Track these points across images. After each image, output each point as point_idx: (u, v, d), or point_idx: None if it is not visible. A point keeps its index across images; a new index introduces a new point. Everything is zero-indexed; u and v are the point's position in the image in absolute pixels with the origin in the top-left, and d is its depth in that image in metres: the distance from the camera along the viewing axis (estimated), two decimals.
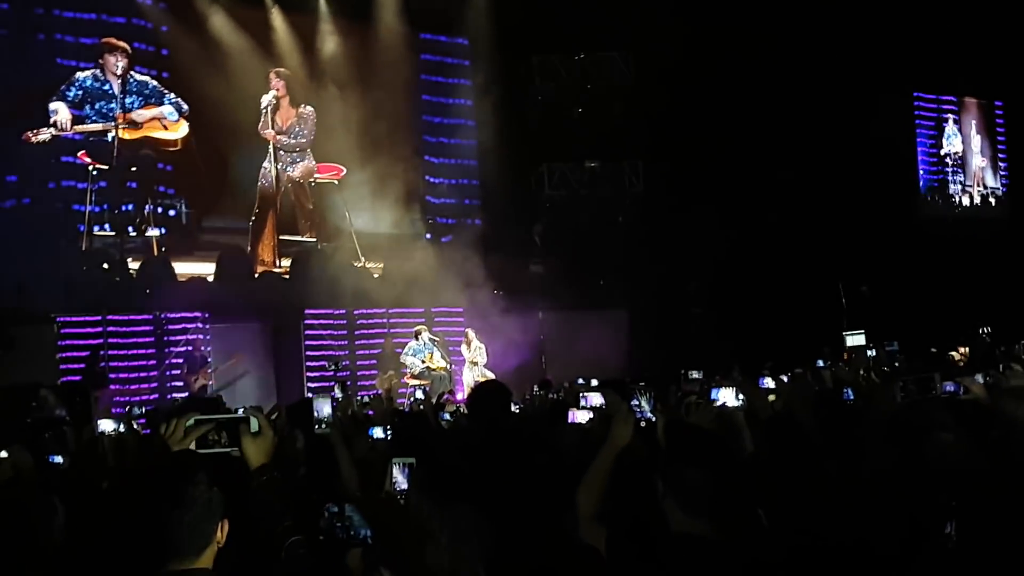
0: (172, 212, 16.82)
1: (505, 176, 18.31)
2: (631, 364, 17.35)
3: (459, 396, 15.40)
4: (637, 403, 4.65)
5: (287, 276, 16.93)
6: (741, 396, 4.95)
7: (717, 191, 18.28)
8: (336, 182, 17.98)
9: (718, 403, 4.83)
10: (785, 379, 7.60)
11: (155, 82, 16.61)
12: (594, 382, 10.91)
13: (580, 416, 5.83)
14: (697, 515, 3.13)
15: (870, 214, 19.63)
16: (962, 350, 15.97)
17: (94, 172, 15.94)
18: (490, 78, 18.60)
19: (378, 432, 6.27)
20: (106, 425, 7.07)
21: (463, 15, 18.83)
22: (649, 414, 4.71)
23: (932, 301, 19.11)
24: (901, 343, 15.84)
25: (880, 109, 20.02)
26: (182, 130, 16.68)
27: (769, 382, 6.90)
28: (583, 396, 6.19)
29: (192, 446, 3.04)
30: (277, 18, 17.84)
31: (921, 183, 24.51)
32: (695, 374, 11.81)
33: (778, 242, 18.66)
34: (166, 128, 16.61)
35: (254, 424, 3.10)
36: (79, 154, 15.98)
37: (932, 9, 19.41)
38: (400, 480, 3.97)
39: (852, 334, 16.52)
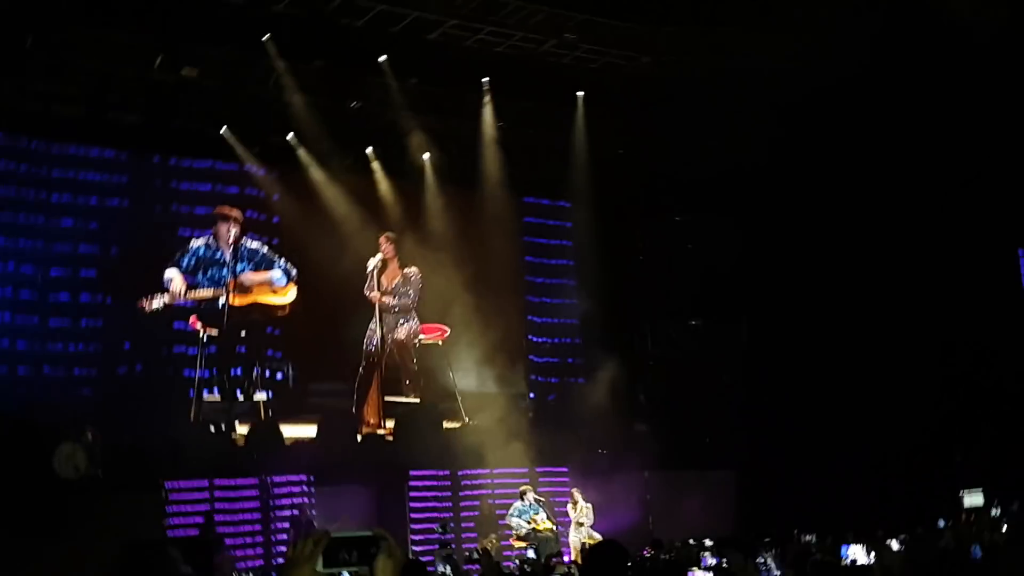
0: (280, 375, 17.12)
1: (609, 334, 18.30)
2: (739, 525, 16.87)
3: (566, 558, 15.10)
4: (763, 561, 4.50)
5: (391, 437, 16.94)
6: (872, 553, 4.76)
7: (822, 348, 18.00)
8: (440, 343, 18.10)
9: (847, 559, 4.65)
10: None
11: (266, 248, 17.03)
12: (708, 542, 10.60)
13: (699, 575, 5.67)
14: None
15: (985, 368, 18.97)
16: None
17: (204, 338, 16.29)
18: (595, 239, 18.78)
19: None
20: None
21: (567, 178, 19.16)
22: (776, 571, 4.55)
23: None
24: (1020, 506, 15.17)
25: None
26: (290, 294, 16.97)
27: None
28: (703, 556, 6.02)
29: (320, 566, 3.00)
30: (384, 184, 18.40)
31: None
32: (808, 537, 11.43)
33: (887, 400, 18.14)
34: (275, 292, 16.95)
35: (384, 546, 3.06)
36: (190, 320, 16.41)
37: None
38: None
39: (970, 492, 15.92)
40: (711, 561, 5.41)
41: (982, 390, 18.38)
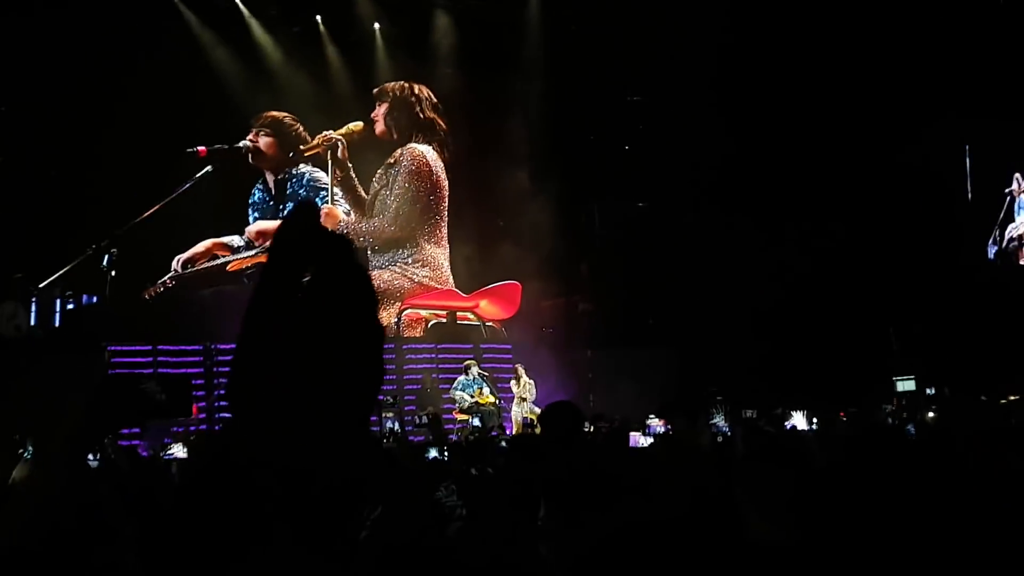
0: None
1: (556, 215, 18.28)
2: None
3: (508, 430, 15.36)
4: (714, 418, 4.59)
5: None
6: (815, 421, 4.88)
7: (768, 230, 18.16)
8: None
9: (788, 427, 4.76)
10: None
11: None
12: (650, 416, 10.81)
13: (643, 441, 5.77)
14: (774, 521, 3.07)
15: (925, 256, 19.32)
16: (1012, 398, 15.73)
17: None
18: (546, 115, 18.63)
19: (434, 453, 6.27)
20: (178, 450, 7.11)
21: (519, 53, 18.91)
22: (726, 428, 4.64)
23: (985, 347, 18.74)
24: (951, 390, 15.67)
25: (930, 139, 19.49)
26: None
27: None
28: (648, 423, 6.12)
29: None
30: (332, 54, 18.19)
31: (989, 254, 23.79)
32: (748, 413, 11.66)
33: (827, 283, 18.45)
34: None
35: None
36: None
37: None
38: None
39: (903, 379, 16.37)
40: (658, 428, 5.49)
41: (918, 283, 18.78)
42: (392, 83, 18.30)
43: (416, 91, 18.25)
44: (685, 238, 19.17)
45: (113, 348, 14.98)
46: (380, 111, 18.12)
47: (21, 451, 8.25)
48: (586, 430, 12.98)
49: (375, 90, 18.23)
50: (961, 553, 3.07)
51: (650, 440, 5.70)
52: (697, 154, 18.43)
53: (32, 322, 14.19)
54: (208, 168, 16.83)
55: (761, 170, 18.47)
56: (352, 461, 0.82)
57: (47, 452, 2.50)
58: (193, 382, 14.52)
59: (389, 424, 9.09)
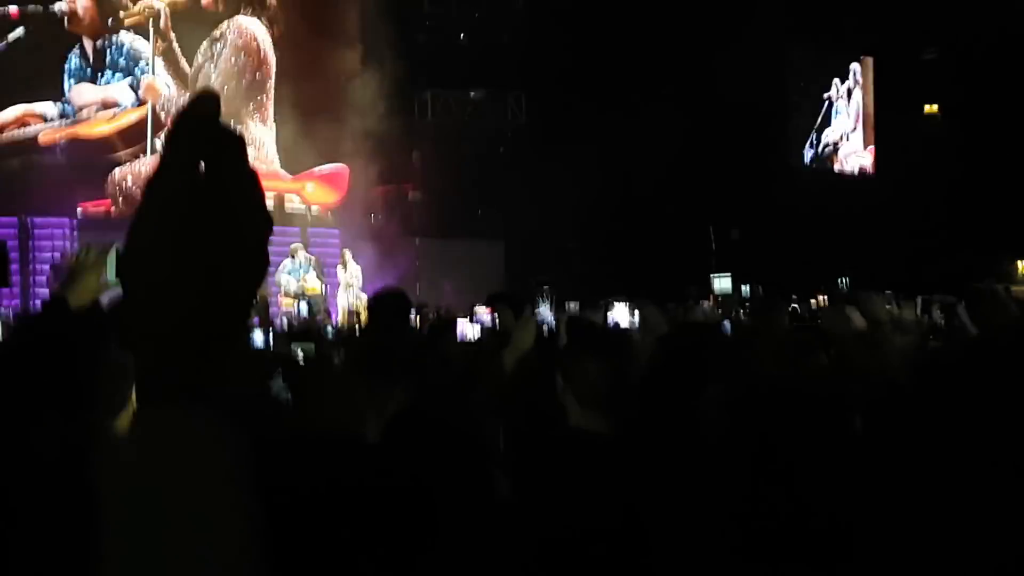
0: None
1: (387, 100, 18.05)
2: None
3: (333, 318, 15.33)
4: (539, 307, 4.72)
5: None
6: (636, 313, 5.07)
7: (597, 127, 18.42)
8: None
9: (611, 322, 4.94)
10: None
11: None
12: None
13: (469, 331, 5.87)
14: (594, 408, 3.22)
15: (745, 159, 20.05)
16: (821, 298, 16.62)
17: None
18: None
19: (259, 337, 6.24)
20: None
21: None
22: (551, 320, 4.78)
23: (798, 251, 19.73)
24: (764, 289, 16.38)
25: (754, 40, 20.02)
26: None
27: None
28: (475, 312, 6.22)
29: (112, 276, 3.00)
30: None
31: (805, 158, 24.81)
32: (571, 305, 11.94)
33: (652, 182, 18.95)
34: None
35: None
36: None
37: None
38: None
39: (719, 276, 17.04)
40: (485, 318, 5.59)
41: (739, 184, 19.49)
42: None
43: None
44: (518, 130, 19.31)
45: None
46: None
47: None
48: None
49: None
50: (772, 451, 3.28)
51: (477, 329, 5.79)
52: (533, 42, 18.46)
53: None
54: (20, 30, 15.85)
55: (591, 60, 18.62)
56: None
57: None
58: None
59: None
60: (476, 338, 5.65)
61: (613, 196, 18.39)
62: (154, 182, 0.84)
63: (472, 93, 19.79)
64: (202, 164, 0.86)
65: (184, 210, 0.83)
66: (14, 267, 14.71)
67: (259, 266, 0.88)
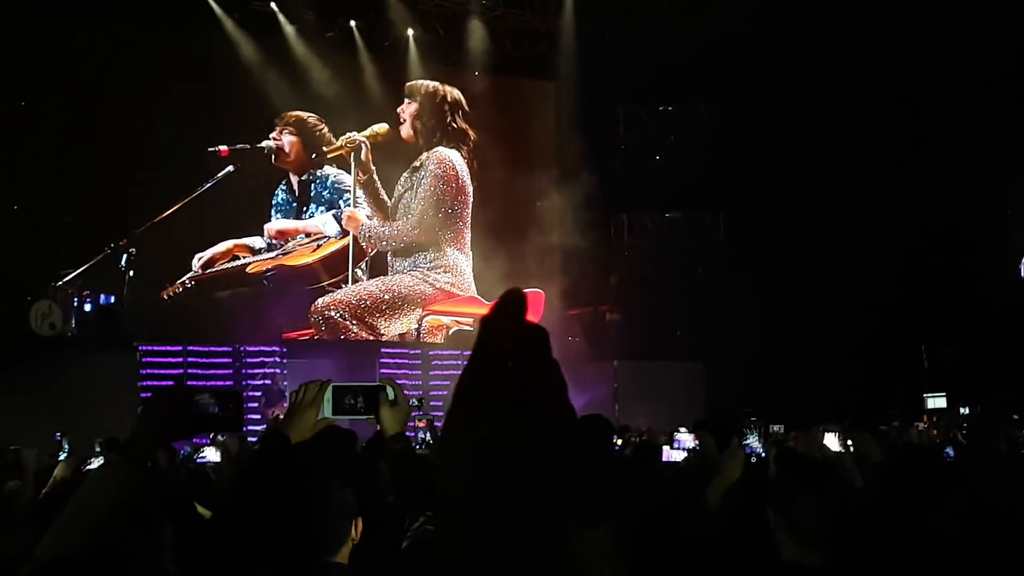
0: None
1: (584, 223, 18.27)
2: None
3: None
4: (747, 439, 4.57)
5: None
6: (849, 443, 4.86)
7: (796, 245, 18.11)
8: None
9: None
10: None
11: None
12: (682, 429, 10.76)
13: (675, 455, 5.76)
14: (809, 545, 3.09)
15: (957, 274, 19.18)
16: None
17: None
18: (575, 125, 18.65)
19: None
20: (211, 454, 7.10)
21: (551, 61, 18.98)
22: (760, 450, 4.62)
23: (1017, 368, 18.59)
24: (983, 409, 15.48)
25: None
26: None
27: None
28: (676, 437, 6.10)
29: (328, 412, 3.09)
30: (366, 59, 18.30)
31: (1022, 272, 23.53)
32: (776, 428, 11.57)
33: (856, 299, 18.35)
34: None
35: (391, 393, 3.16)
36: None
37: None
38: None
39: (934, 396, 16.26)
40: (688, 443, 5.47)
41: (952, 300, 18.65)
42: (423, 82, 18.09)
43: (448, 98, 18.09)
44: (715, 250, 19.15)
45: (144, 348, 15.10)
46: (408, 110, 17.85)
47: (59, 451, 8.34)
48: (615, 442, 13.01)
49: (406, 85, 18.06)
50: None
51: (682, 455, 5.67)
52: (728, 166, 18.42)
53: (65, 321, 14.34)
54: (230, 168, 16.78)
55: (792, 185, 18.39)
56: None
57: (110, 462, 2.55)
58: (246, 394, 14.57)
59: (420, 435, 9.08)
60: (681, 465, 5.54)
61: (816, 314, 17.89)
62: (466, 377, 0.87)
63: (668, 214, 19.83)
64: (510, 360, 0.89)
65: (493, 404, 0.86)
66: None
67: (564, 456, 0.90)
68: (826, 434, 4.95)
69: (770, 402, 15.85)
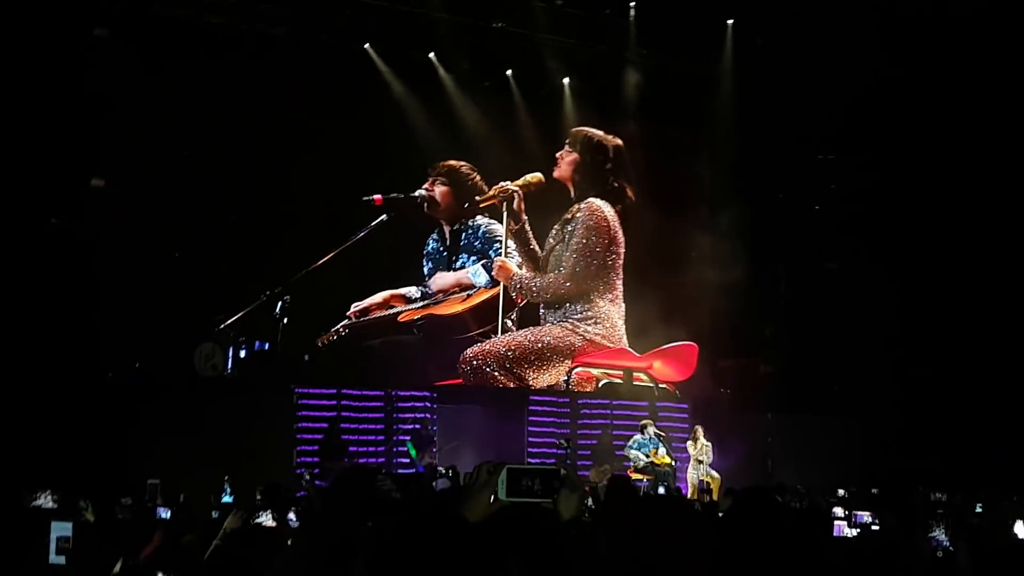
0: None
1: (737, 274, 17.95)
2: (864, 478, 16.52)
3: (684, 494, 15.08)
4: (932, 531, 4.28)
5: None
6: None
7: (961, 293, 17.47)
8: None
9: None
10: None
11: None
12: (841, 491, 10.36)
13: (848, 531, 5.49)
14: None
15: None
16: None
17: None
18: (730, 173, 18.39)
19: None
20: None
21: (708, 108, 18.81)
22: (947, 543, 4.30)
23: None
24: None
25: None
26: None
27: None
28: (855, 513, 5.81)
29: (503, 494, 3.07)
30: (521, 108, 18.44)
31: None
32: (938, 495, 11.10)
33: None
34: None
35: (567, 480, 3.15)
36: None
37: None
38: None
39: None
40: (864, 518, 5.19)
41: None
42: (588, 132, 17.31)
43: (611, 154, 17.46)
44: (875, 302, 18.49)
45: (300, 391, 15.41)
46: (567, 157, 17.51)
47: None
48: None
49: (571, 131, 17.48)
50: None
51: (855, 532, 5.39)
52: (890, 217, 17.89)
53: (227, 365, 14.80)
54: (383, 216, 16.98)
55: (950, 221, 17.77)
56: None
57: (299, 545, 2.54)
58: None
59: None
60: (855, 544, 5.26)
61: (982, 371, 17.13)
62: None
63: (829, 265, 19.32)
64: None
65: None
66: (380, 437, 15.71)
67: None
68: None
69: (929, 467, 15.27)
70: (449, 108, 18.10)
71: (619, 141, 17.24)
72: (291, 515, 6.85)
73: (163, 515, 7.03)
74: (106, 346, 14.55)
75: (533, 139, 18.31)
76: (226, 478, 10.36)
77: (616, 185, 17.10)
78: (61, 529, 4.51)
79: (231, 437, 13.45)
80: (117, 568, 5.02)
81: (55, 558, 4.40)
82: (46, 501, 7.21)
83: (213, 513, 6.77)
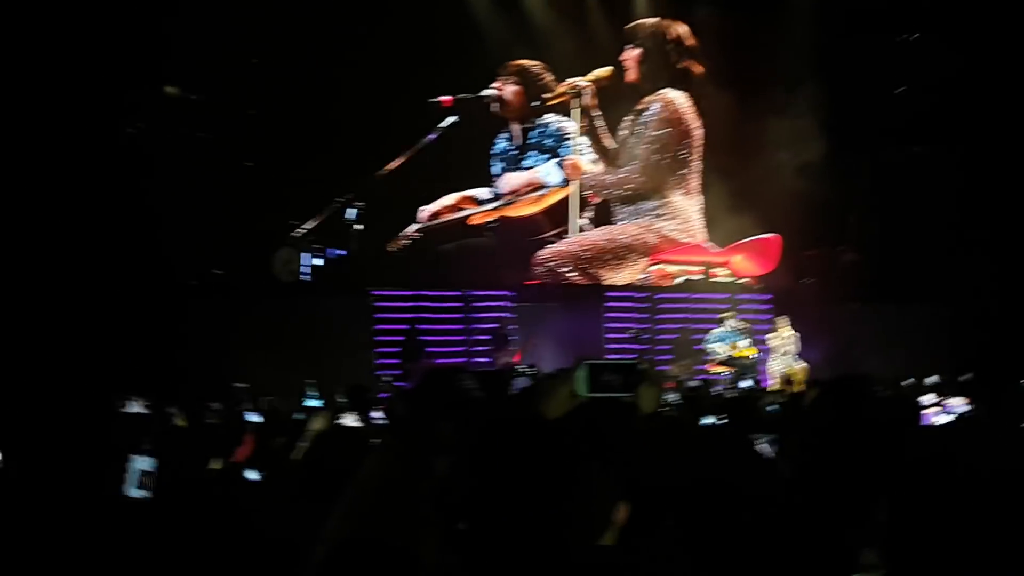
0: None
1: (820, 162, 17.53)
2: (953, 368, 16.23)
3: (765, 385, 14.96)
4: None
5: None
6: None
7: None
8: None
9: None
10: None
11: None
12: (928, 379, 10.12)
13: (939, 419, 5.35)
14: None
15: None
16: None
17: None
18: (811, 60, 17.81)
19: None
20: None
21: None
22: None
23: None
24: None
25: None
26: None
27: None
28: (944, 402, 5.66)
29: (584, 389, 3.10)
30: None
31: None
32: None
33: None
34: None
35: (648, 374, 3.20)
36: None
37: None
38: None
39: None
40: (959, 408, 5.05)
41: None
42: (646, 22, 17.29)
43: (673, 35, 17.20)
44: (965, 186, 17.92)
45: (376, 293, 15.54)
46: (631, 55, 17.12)
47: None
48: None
49: (627, 28, 17.31)
50: None
51: (947, 418, 5.25)
52: (970, 100, 17.25)
53: (305, 270, 15.00)
54: (453, 118, 16.84)
55: None
56: None
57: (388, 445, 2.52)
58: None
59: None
60: (946, 431, 5.12)
61: None
62: None
63: (914, 149, 18.73)
64: None
65: None
66: (459, 338, 15.82)
67: None
68: None
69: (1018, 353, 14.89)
70: (518, 7, 17.78)
71: (681, 26, 16.87)
72: (374, 415, 6.94)
73: (252, 419, 7.14)
74: (184, 254, 14.78)
75: (605, 35, 17.89)
76: (311, 382, 10.48)
77: (681, 64, 16.78)
78: (144, 463, 4.55)
79: (311, 341, 13.69)
80: (217, 464, 5.14)
81: (136, 491, 4.44)
82: (137, 407, 7.38)
83: (298, 416, 6.84)
